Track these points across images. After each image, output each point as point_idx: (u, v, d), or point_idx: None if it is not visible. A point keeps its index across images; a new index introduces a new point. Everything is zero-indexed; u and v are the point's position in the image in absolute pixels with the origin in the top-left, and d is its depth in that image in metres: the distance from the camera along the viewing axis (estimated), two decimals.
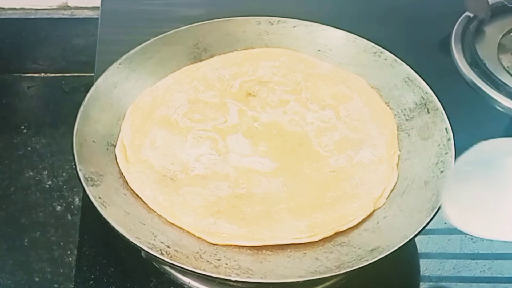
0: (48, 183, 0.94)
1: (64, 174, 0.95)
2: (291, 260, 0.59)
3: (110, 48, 0.83)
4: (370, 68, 0.74)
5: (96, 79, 0.70)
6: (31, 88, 1.02)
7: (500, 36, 0.88)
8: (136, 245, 0.57)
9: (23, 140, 0.98)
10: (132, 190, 0.63)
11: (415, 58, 0.74)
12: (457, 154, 0.64)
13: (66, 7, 0.98)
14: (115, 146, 0.66)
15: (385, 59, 0.74)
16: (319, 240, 0.60)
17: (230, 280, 0.57)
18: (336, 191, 0.64)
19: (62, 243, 0.89)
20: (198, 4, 0.92)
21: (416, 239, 0.59)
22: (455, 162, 0.64)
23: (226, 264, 0.58)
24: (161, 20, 0.88)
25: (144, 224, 0.60)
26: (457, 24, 0.89)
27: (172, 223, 0.61)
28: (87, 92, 0.68)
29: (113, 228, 0.58)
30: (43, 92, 1.02)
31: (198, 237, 0.60)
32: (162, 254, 0.57)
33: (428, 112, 0.69)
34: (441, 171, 0.63)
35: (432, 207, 0.61)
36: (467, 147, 0.61)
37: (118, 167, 0.65)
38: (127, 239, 0.57)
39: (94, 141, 0.65)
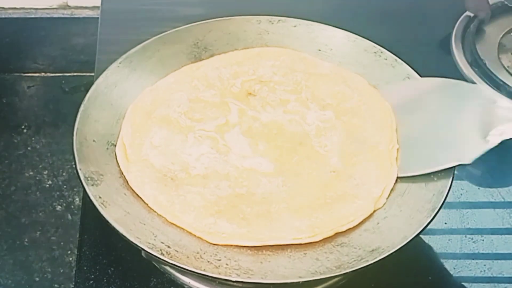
0: (48, 182, 0.94)
1: (64, 174, 0.95)
2: (292, 260, 0.59)
3: (110, 48, 0.83)
4: (370, 68, 0.74)
5: (96, 78, 0.70)
6: (31, 87, 1.02)
7: (501, 36, 0.88)
8: (136, 245, 0.57)
9: (23, 139, 0.98)
10: (132, 189, 0.63)
11: (416, 58, 0.74)
12: None
13: (66, 7, 0.99)
14: (115, 146, 0.66)
15: (386, 59, 0.74)
16: (320, 241, 0.60)
17: (231, 281, 0.57)
18: (336, 191, 0.64)
19: (62, 243, 0.89)
20: (198, 3, 0.92)
21: (416, 239, 0.59)
22: None
23: (227, 264, 0.58)
24: (161, 20, 0.88)
25: (144, 224, 0.60)
26: (457, 24, 0.89)
27: (172, 223, 0.61)
28: (87, 91, 0.68)
29: (113, 228, 0.58)
30: (43, 92, 1.02)
31: (198, 237, 0.60)
32: (162, 254, 0.57)
33: None
34: (442, 171, 0.63)
35: (432, 207, 0.60)
36: None
37: (118, 166, 0.65)
38: (127, 239, 0.57)
39: (94, 141, 0.65)
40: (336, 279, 0.63)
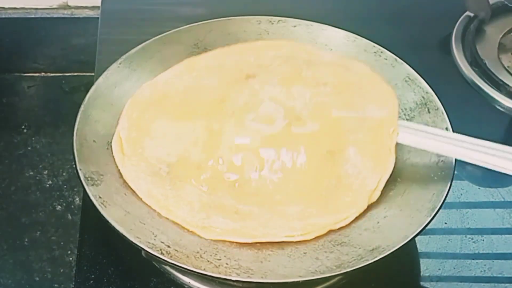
0: (48, 182, 0.94)
1: (64, 174, 0.95)
2: (291, 259, 0.59)
3: (110, 48, 0.83)
4: (370, 68, 0.74)
5: (97, 78, 0.70)
6: (31, 87, 1.02)
7: (501, 36, 0.88)
8: (136, 244, 0.57)
9: (23, 139, 0.98)
10: (132, 189, 0.63)
11: (416, 58, 0.74)
12: None
13: (66, 7, 0.98)
14: None
15: (386, 59, 0.74)
16: (319, 240, 0.60)
17: (231, 280, 0.57)
18: (330, 180, 0.63)
19: (62, 243, 0.89)
20: (198, 3, 0.92)
21: (416, 239, 0.59)
22: None
23: (227, 263, 0.58)
24: (161, 20, 0.88)
25: (144, 224, 0.60)
26: (457, 23, 0.89)
27: (166, 218, 0.61)
28: (87, 91, 0.68)
29: (113, 228, 0.58)
30: (43, 92, 1.02)
31: (193, 233, 0.60)
32: (162, 253, 0.57)
33: (429, 112, 0.69)
34: (442, 172, 0.63)
35: (432, 207, 0.60)
36: None
37: (118, 166, 0.65)
38: (127, 238, 0.57)
39: (94, 141, 0.65)
40: (336, 278, 0.63)
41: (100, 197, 0.60)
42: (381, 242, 0.59)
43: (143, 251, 0.57)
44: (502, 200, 0.74)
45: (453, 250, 0.69)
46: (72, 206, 0.92)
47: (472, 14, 0.89)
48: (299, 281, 0.56)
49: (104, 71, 0.70)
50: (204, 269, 0.57)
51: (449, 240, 0.70)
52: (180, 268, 0.57)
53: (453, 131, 0.66)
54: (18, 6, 0.98)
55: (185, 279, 0.64)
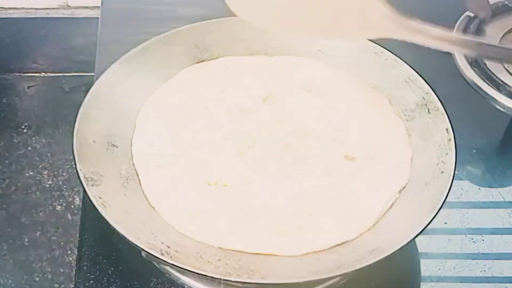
0: (48, 182, 0.94)
1: (64, 174, 0.95)
2: (292, 260, 0.59)
3: (110, 48, 0.82)
4: (370, 68, 0.74)
5: (97, 78, 0.70)
6: (31, 87, 1.02)
7: (501, 36, 0.88)
8: (136, 245, 0.57)
9: (23, 140, 0.98)
10: (132, 190, 0.63)
11: (416, 58, 0.74)
12: (458, 154, 0.64)
13: (67, 7, 0.99)
14: (115, 146, 0.66)
15: (386, 59, 0.74)
16: None
17: (231, 281, 0.57)
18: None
19: (62, 243, 0.89)
20: (198, 3, 0.92)
21: (416, 239, 0.59)
22: None
23: (227, 264, 0.58)
24: (161, 20, 0.88)
25: (144, 224, 0.60)
26: (457, 24, 0.89)
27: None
28: (87, 91, 0.68)
29: (113, 228, 0.58)
30: (43, 92, 1.02)
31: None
32: (162, 254, 0.57)
33: (429, 113, 0.69)
34: (442, 172, 0.63)
35: (432, 207, 0.60)
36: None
37: (119, 166, 0.65)
38: (127, 239, 0.57)
39: (94, 141, 0.65)
40: (337, 279, 0.63)
41: (100, 198, 0.60)
42: (381, 242, 0.59)
43: (143, 252, 0.57)
44: (502, 200, 0.74)
45: (453, 250, 0.69)
46: (72, 206, 0.92)
47: (472, 14, 0.89)
48: (299, 282, 0.56)
49: (104, 71, 0.70)
50: (204, 270, 0.56)
51: (449, 240, 0.70)
52: (180, 268, 0.57)
53: (454, 132, 0.66)
54: (18, 6, 0.98)
55: (185, 279, 0.64)
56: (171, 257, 0.57)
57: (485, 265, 0.68)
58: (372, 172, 0.65)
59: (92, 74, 0.80)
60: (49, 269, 0.87)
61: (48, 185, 0.94)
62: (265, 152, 0.66)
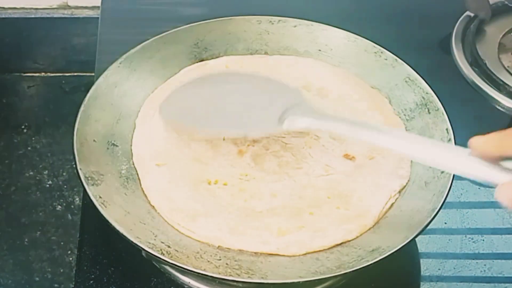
0: (48, 182, 0.94)
1: (64, 174, 0.95)
2: (292, 260, 0.59)
3: (110, 48, 0.83)
4: (370, 68, 0.74)
5: (97, 78, 0.70)
6: (31, 87, 1.02)
7: (501, 36, 0.88)
8: (136, 245, 0.57)
9: (23, 140, 0.98)
10: (132, 189, 0.63)
11: (416, 58, 0.74)
12: None
13: (66, 7, 0.98)
14: (115, 146, 0.66)
15: (386, 59, 0.74)
16: None
17: (231, 280, 0.57)
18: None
19: (62, 243, 0.89)
20: (198, 3, 0.92)
21: (416, 239, 0.59)
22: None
23: (227, 264, 0.58)
24: (161, 20, 0.88)
25: (144, 224, 0.60)
26: (457, 23, 0.89)
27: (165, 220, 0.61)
28: (87, 91, 0.68)
29: (114, 228, 0.58)
30: (43, 92, 1.02)
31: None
32: (162, 254, 0.57)
33: (429, 113, 0.69)
34: (442, 172, 0.63)
35: (432, 207, 0.60)
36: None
37: (119, 166, 0.65)
38: (128, 238, 0.57)
39: (94, 141, 0.65)
40: (336, 279, 0.63)
41: (100, 197, 0.60)
42: (381, 242, 0.59)
43: (143, 251, 0.57)
44: None
45: (453, 250, 0.69)
46: (72, 206, 0.92)
47: (472, 14, 0.89)
48: (299, 282, 0.56)
49: (104, 71, 0.70)
50: (204, 270, 0.56)
51: (449, 240, 0.70)
52: (180, 268, 0.57)
53: (453, 131, 0.66)
54: (18, 6, 0.98)
55: (185, 279, 0.64)
56: (171, 256, 0.57)
57: (485, 265, 0.68)
58: (372, 171, 0.65)
59: (92, 74, 0.80)
60: (49, 269, 0.87)
61: (48, 185, 0.94)
62: (265, 151, 0.66)
